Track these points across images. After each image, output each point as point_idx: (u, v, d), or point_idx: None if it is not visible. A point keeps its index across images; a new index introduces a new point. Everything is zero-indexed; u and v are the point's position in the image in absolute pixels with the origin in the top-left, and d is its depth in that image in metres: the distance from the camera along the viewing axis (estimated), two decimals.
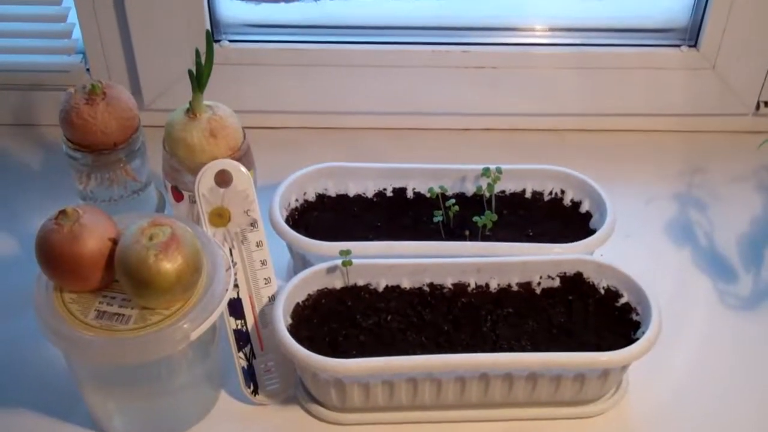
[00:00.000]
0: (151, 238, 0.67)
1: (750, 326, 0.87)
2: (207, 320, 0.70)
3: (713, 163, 1.04)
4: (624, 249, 0.92)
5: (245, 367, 0.78)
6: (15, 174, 1.03)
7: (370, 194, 0.90)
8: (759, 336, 0.86)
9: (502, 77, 1.03)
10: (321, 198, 0.90)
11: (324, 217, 0.89)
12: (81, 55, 1.04)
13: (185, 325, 0.69)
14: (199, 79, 0.78)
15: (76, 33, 1.02)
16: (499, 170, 0.87)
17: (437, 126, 1.08)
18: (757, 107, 1.05)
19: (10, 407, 0.78)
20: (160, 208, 0.90)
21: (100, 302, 0.70)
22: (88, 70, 1.04)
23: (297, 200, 0.89)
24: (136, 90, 1.04)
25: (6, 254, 0.93)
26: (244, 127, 0.83)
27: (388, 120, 1.07)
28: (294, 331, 0.76)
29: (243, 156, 0.81)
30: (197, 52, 0.77)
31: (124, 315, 0.69)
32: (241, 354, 0.78)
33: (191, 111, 0.80)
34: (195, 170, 0.78)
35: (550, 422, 0.78)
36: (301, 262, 0.85)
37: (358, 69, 1.03)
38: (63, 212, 0.69)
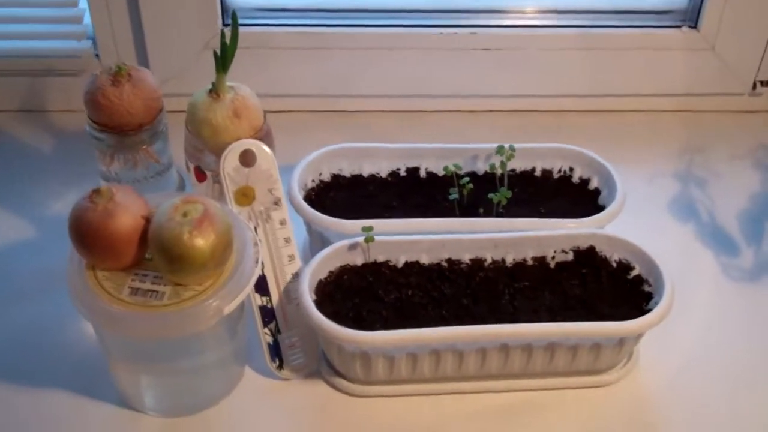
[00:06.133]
0: (185, 215, 0.69)
1: (753, 297, 0.90)
2: (239, 295, 0.71)
3: (713, 141, 1.07)
4: (629, 226, 0.94)
5: (270, 342, 0.80)
6: (25, 160, 1.03)
7: (384, 174, 0.92)
8: (762, 306, 0.89)
9: (507, 59, 1.05)
10: (336, 178, 0.91)
11: (340, 196, 0.90)
12: (91, 41, 1.04)
13: (218, 301, 0.70)
14: (223, 60, 0.79)
15: (87, 18, 1.02)
16: (512, 148, 0.90)
17: (444, 108, 1.10)
18: (754, 87, 1.08)
19: (39, 387, 0.79)
20: (180, 189, 0.91)
21: (132, 280, 0.71)
22: (97, 55, 1.05)
23: (313, 180, 0.90)
24: None
25: (21, 238, 0.94)
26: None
27: (397, 103, 1.09)
28: (318, 306, 0.78)
29: (265, 136, 0.83)
30: (222, 33, 0.79)
31: (157, 291, 0.70)
32: (266, 330, 0.80)
33: (215, 91, 0.81)
34: (218, 150, 0.79)
35: (567, 391, 0.81)
36: (318, 240, 0.87)
37: (366, 52, 1.04)
38: (97, 191, 0.70)
